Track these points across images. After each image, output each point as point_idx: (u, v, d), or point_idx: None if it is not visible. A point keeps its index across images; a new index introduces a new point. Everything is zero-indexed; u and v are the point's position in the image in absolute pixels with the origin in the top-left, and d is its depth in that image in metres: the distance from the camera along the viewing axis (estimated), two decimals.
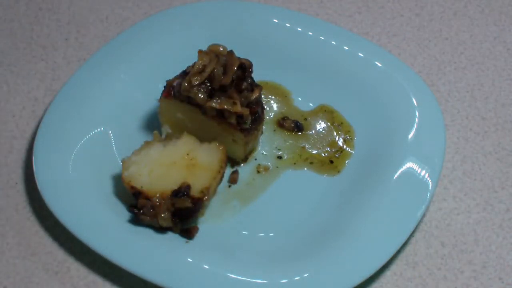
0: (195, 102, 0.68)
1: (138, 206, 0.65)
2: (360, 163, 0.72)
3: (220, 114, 0.68)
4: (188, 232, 0.67)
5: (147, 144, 0.69)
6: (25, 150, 0.74)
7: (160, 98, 0.71)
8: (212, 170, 0.67)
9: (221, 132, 0.69)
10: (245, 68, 0.69)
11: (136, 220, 0.66)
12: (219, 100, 0.68)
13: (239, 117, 0.68)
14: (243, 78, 0.69)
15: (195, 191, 0.65)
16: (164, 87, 0.71)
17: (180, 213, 0.66)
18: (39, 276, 0.66)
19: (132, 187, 0.66)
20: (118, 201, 0.68)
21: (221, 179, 0.68)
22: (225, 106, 0.67)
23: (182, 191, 0.65)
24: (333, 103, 0.76)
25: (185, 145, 0.69)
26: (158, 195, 0.65)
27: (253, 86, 0.70)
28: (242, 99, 0.68)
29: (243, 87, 0.69)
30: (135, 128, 0.73)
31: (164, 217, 0.65)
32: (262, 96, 0.75)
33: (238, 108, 0.67)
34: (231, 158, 0.72)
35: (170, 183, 0.66)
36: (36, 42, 0.83)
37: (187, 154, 0.68)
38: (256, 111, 0.70)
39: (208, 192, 0.66)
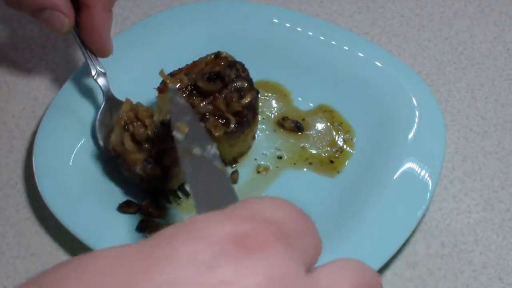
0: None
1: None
2: (360, 163, 0.72)
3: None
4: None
5: None
6: (25, 150, 0.74)
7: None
8: None
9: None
10: (223, 76, 0.68)
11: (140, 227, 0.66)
12: (207, 106, 0.67)
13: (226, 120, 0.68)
14: (226, 86, 0.68)
15: None
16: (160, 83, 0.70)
17: None
18: None
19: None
20: (119, 201, 0.68)
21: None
22: (211, 120, 0.67)
23: None
24: (332, 103, 0.76)
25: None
26: None
27: (244, 91, 0.69)
28: (229, 107, 0.68)
29: (229, 95, 0.68)
30: None
31: None
32: (262, 96, 0.74)
33: (225, 114, 0.67)
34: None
35: None
36: (36, 42, 0.83)
37: None
38: (246, 116, 0.69)
39: None
